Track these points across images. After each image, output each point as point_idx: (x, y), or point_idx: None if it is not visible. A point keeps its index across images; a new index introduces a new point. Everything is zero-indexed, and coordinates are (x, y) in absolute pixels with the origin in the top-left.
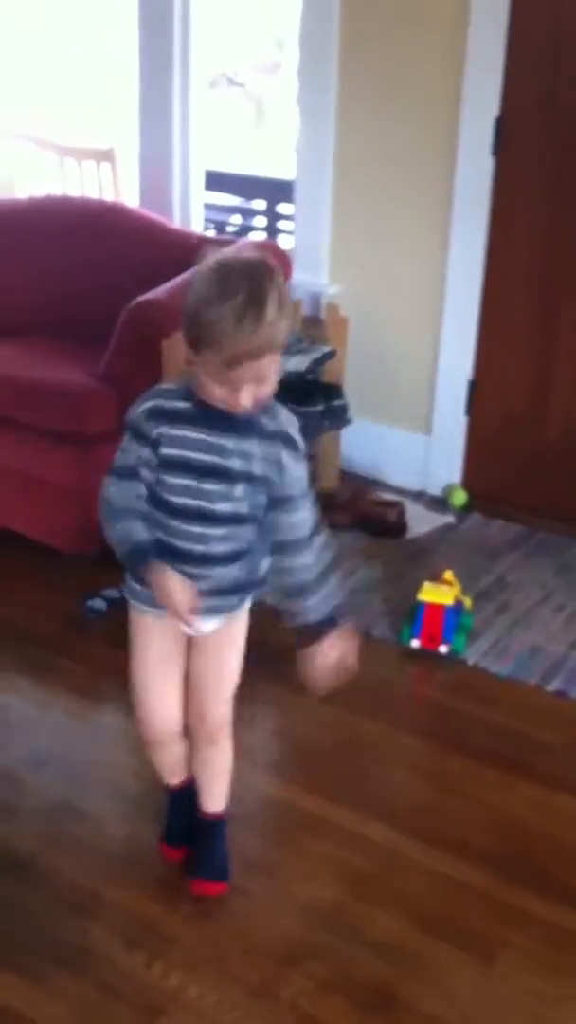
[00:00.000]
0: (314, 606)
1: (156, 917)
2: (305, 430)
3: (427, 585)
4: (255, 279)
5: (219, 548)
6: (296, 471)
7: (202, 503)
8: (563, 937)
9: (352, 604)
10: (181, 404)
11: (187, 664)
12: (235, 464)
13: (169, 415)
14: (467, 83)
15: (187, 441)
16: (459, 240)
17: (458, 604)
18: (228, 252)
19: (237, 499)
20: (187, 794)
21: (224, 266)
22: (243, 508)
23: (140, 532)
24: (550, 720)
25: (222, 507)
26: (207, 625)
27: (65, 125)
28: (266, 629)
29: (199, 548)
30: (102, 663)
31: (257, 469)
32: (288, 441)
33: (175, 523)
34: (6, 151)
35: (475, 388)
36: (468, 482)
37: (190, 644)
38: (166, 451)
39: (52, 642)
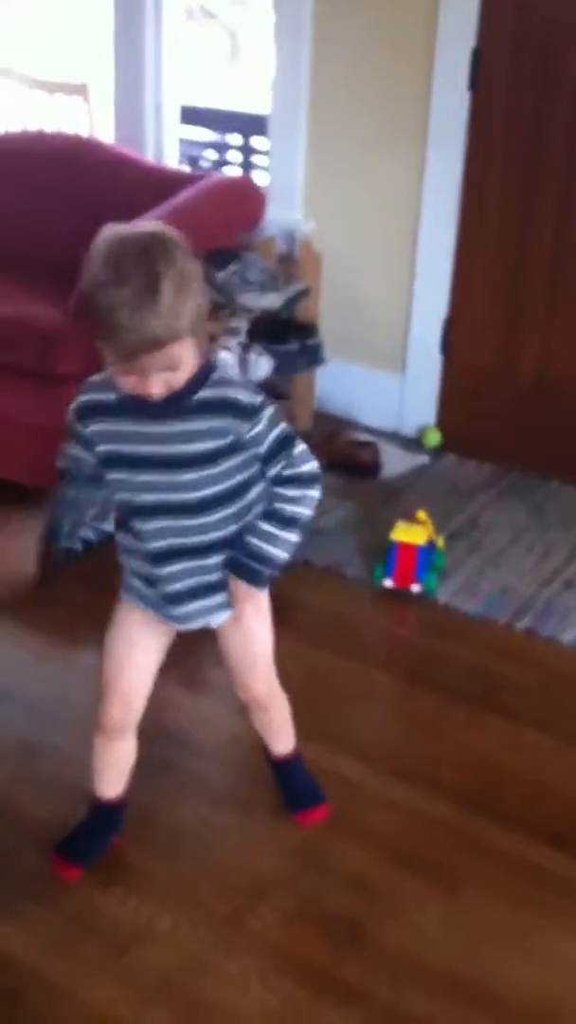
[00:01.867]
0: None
1: (129, 852)
2: (279, 369)
3: (400, 525)
4: (150, 262)
5: (196, 540)
6: (257, 433)
7: (161, 496)
8: (529, 870)
9: (325, 544)
10: (108, 396)
11: (223, 642)
12: (178, 449)
13: (100, 410)
14: (443, 14)
15: (118, 435)
16: (434, 176)
17: (430, 544)
18: (124, 227)
19: (195, 486)
20: (112, 814)
21: (118, 244)
22: (209, 492)
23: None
24: (520, 658)
25: (185, 496)
26: (217, 619)
27: (39, 59)
28: None
29: (176, 542)
30: (76, 605)
31: (208, 447)
32: (234, 408)
33: (137, 523)
34: None
35: (450, 328)
36: (442, 423)
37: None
38: (100, 448)
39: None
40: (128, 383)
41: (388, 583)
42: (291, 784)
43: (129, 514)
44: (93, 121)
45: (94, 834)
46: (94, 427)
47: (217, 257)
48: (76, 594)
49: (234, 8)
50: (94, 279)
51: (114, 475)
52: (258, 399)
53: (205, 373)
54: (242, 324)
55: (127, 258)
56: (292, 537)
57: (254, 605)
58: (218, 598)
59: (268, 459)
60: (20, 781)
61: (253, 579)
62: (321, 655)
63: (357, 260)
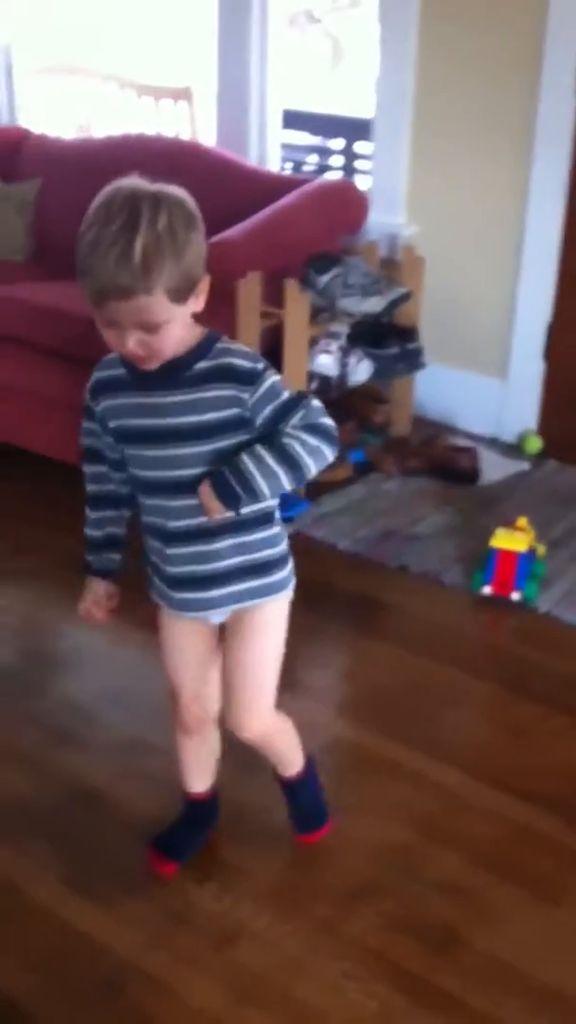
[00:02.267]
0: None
1: (228, 851)
2: (379, 373)
3: (500, 531)
4: (136, 212)
5: (200, 521)
6: (258, 399)
7: (164, 472)
8: None
9: (423, 549)
10: (118, 371)
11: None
12: (180, 421)
13: (109, 386)
14: (551, 21)
15: (123, 409)
16: (540, 180)
17: (531, 551)
18: (138, 180)
19: (194, 461)
20: (205, 810)
21: (118, 191)
22: (210, 470)
23: (102, 525)
24: None
25: (184, 473)
26: (215, 617)
27: (143, 64)
28: (335, 574)
29: (180, 524)
30: None
31: (211, 418)
32: (233, 374)
33: (147, 500)
34: (85, 90)
35: (553, 332)
36: (543, 428)
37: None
38: (111, 424)
39: (124, 578)
40: (109, 339)
41: (487, 590)
42: (295, 805)
43: (140, 491)
44: (196, 125)
45: (189, 830)
46: (104, 403)
47: (319, 261)
48: None
49: (337, 14)
50: (86, 217)
51: (129, 451)
52: (259, 365)
53: (208, 345)
54: (343, 328)
55: (118, 204)
56: (284, 477)
57: (262, 618)
58: (218, 591)
59: (281, 417)
60: (126, 777)
61: (224, 494)
62: (419, 662)
63: (459, 264)
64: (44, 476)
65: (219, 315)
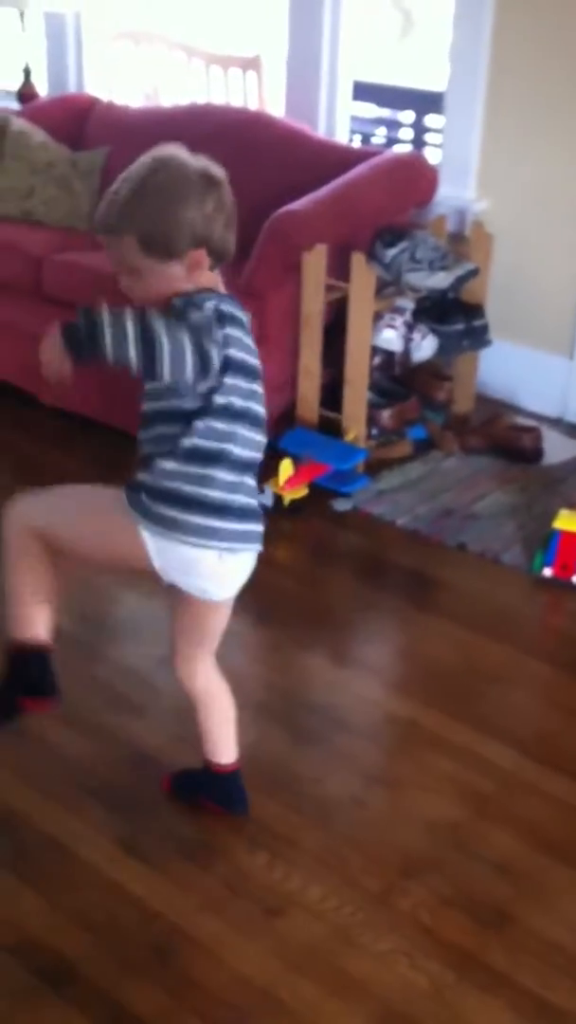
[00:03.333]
0: None
1: (278, 820)
2: (443, 349)
3: (564, 513)
4: (147, 165)
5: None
6: None
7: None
8: None
9: (482, 528)
10: None
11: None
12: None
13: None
14: None
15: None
16: None
17: None
18: (176, 148)
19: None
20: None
21: (153, 151)
22: (149, 407)
23: None
24: None
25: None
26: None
27: (212, 32)
28: (392, 550)
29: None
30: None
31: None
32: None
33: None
34: (153, 58)
35: None
36: None
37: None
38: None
39: None
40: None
41: (548, 572)
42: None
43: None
44: (263, 95)
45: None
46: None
47: (387, 235)
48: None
49: None
50: None
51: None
52: (184, 304)
53: (177, 300)
54: (408, 303)
55: (141, 161)
56: (129, 330)
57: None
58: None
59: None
60: (181, 743)
61: (69, 324)
62: (475, 640)
63: (529, 240)
64: (113, 443)
65: (285, 287)
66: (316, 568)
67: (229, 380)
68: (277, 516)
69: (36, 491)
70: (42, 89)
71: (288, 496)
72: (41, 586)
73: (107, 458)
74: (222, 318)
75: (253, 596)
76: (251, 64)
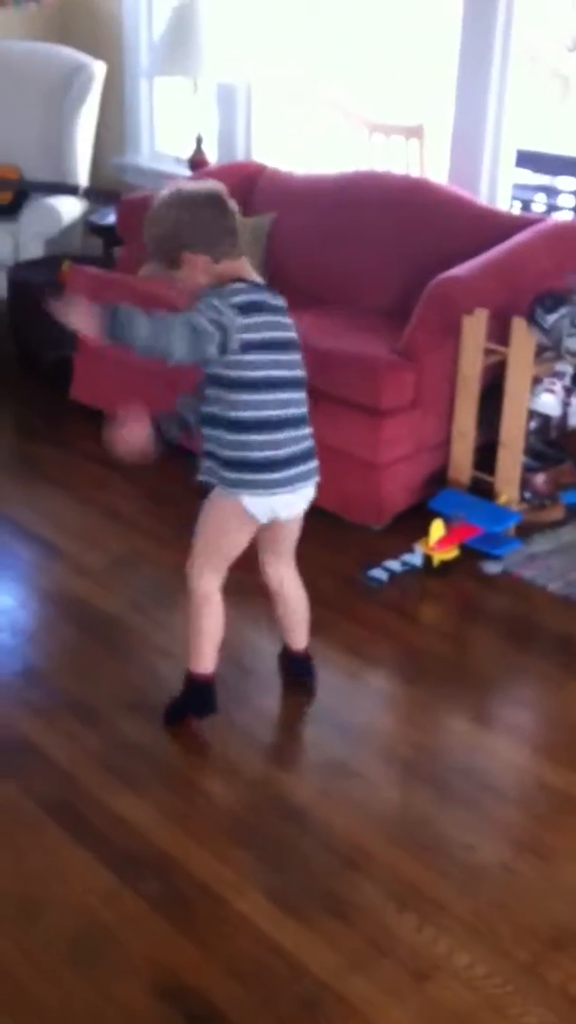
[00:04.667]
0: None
1: (427, 883)
2: None
3: None
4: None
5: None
6: None
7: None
8: None
9: None
10: None
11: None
12: None
13: None
14: None
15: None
16: None
17: None
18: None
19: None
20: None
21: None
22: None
23: None
24: None
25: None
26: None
27: (373, 100)
28: (543, 614)
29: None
30: (378, 627)
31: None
32: None
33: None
34: (318, 124)
35: None
36: None
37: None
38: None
39: (332, 603)
40: None
41: None
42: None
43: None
44: (425, 162)
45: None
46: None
47: (547, 300)
48: (374, 618)
49: (565, 53)
50: None
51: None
52: (206, 295)
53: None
54: (567, 368)
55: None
56: (143, 326)
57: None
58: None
59: None
60: (328, 798)
61: (104, 309)
62: None
63: None
64: None
65: (444, 349)
66: (464, 629)
67: (250, 357)
68: (426, 576)
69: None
70: (212, 156)
71: (438, 556)
72: (219, 631)
73: None
74: (245, 307)
75: (401, 655)
76: (414, 132)
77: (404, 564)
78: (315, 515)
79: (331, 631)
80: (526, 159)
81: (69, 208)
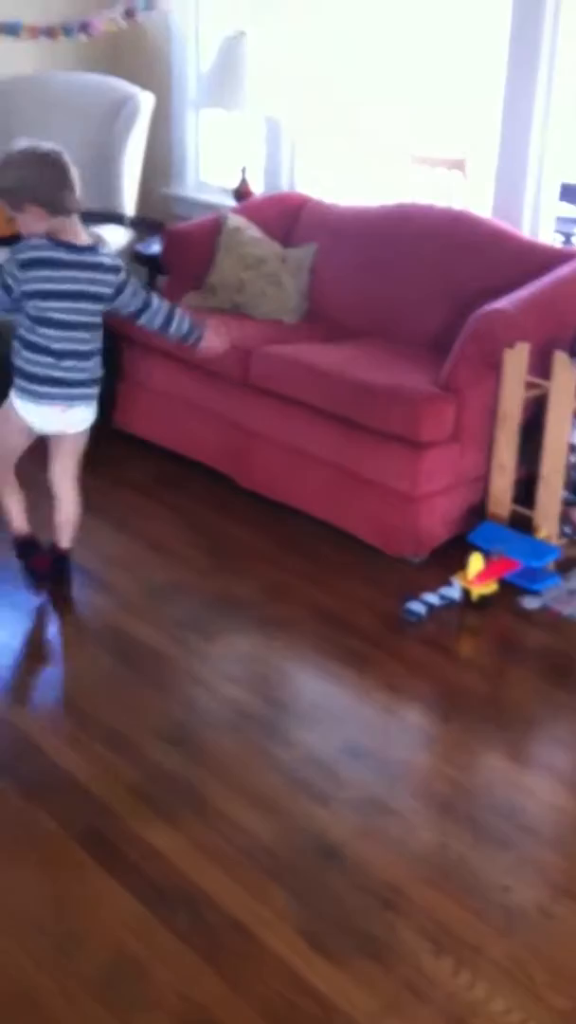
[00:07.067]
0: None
1: (464, 925)
2: None
3: None
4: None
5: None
6: None
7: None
8: None
9: None
10: None
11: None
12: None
13: None
14: None
15: None
16: None
17: None
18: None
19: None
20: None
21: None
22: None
23: None
24: None
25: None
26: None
27: (416, 133)
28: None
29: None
30: (416, 662)
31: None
32: None
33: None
34: (362, 157)
35: None
36: None
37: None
38: None
39: (371, 637)
40: None
41: None
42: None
43: None
44: (467, 195)
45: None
46: None
47: None
48: (411, 653)
49: None
50: None
51: None
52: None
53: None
54: None
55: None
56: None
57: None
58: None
59: None
60: (364, 837)
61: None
62: None
63: None
64: (303, 528)
65: (485, 383)
66: (502, 665)
67: (31, 303)
68: (465, 610)
69: None
70: (257, 187)
71: (477, 591)
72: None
73: (303, 544)
74: (27, 263)
75: (439, 691)
76: (457, 165)
77: (442, 598)
78: (353, 547)
79: (368, 665)
80: (566, 192)
81: (115, 237)
